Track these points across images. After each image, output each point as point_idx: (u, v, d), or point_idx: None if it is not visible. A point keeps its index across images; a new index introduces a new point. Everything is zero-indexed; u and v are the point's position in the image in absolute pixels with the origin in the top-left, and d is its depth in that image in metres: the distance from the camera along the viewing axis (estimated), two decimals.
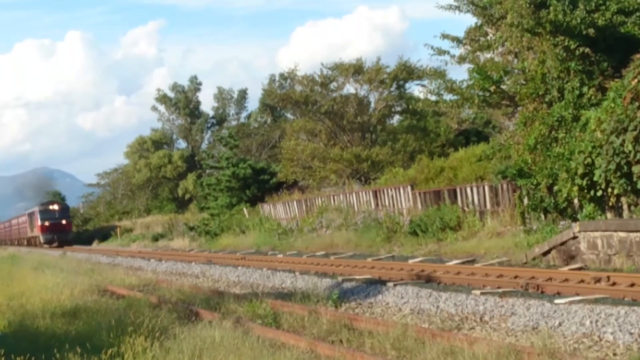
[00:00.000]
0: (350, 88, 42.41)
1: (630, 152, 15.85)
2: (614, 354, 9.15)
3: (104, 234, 70.00)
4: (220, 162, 47.32)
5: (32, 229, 72.78)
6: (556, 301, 11.56)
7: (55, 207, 70.68)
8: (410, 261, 19.80)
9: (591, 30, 19.24)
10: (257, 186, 44.25)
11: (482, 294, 13.12)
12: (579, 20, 19.30)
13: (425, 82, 33.61)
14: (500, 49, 24.65)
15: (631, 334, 9.60)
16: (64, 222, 69.61)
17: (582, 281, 13.20)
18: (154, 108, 79.80)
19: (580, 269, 15.18)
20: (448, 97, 27.26)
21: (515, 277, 14.51)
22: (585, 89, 19.40)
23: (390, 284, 15.49)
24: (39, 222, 69.10)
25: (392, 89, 41.94)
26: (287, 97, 43.50)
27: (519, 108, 22.85)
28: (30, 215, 73.35)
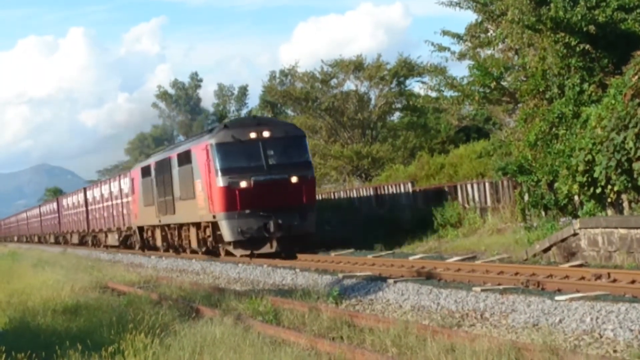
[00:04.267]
0: (350, 85, 42.47)
1: (631, 149, 15.85)
2: (615, 351, 9.15)
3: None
4: None
5: (165, 206, 28.44)
6: (557, 298, 11.55)
7: (266, 133, 23.96)
8: (411, 258, 19.78)
9: (592, 27, 19.24)
10: None
11: (482, 290, 13.12)
12: (579, 17, 19.30)
13: (426, 78, 33.67)
14: (500, 46, 24.66)
15: (631, 330, 9.59)
16: (293, 180, 23.64)
17: (583, 278, 13.20)
18: (155, 105, 79.98)
19: (580, 265, 15.17)
20: (448, 93, 27.31)
21: (516, 273, 14.50)
22: (585, 85, 19.39)
23: (391, 281, 15.48)
24: (221, 181, 23.41)
25: (392, 85, 41.94)
26: (288, 94, 43.53)
27: (520, 105, 22.86)
28: (166, 166, 28.58)
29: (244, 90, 78.33)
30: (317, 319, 12.08)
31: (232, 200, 23.02)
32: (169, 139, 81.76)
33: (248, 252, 23.39)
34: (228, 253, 24.66)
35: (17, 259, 35.85)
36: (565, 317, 10.66)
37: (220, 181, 23.23)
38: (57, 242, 58.41)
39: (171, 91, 79.16)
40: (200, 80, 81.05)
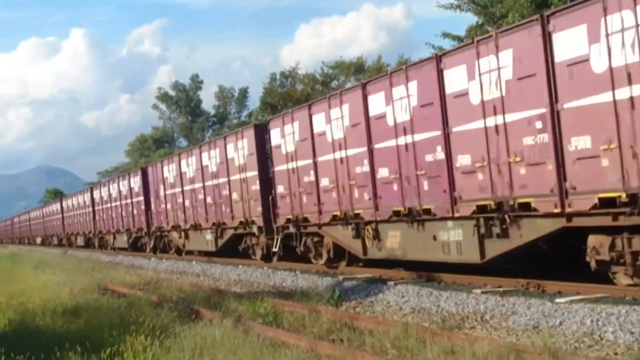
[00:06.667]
0: None
1: None
2: (615, 354, 9.13)
3: None
4: None
5: None
6: (557, 300, 11.54)
7: None
8: None
9: None
10: None
11: (483, 292, 13.11)
12: None
13: None
14: None
15: (632, 333, 9.58)
16: None
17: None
18: (155, 106, 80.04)
19: None
20: None
21: (516, 276, 14.47)
22: None
23: (391, 283, 15.48)
24: None
25: None
26: (288, 96, 43.62)
27: None
28: None
29: (244, 92, 78.34)
30: (317, 321, 12.07)
31: None
32: (169, 141, 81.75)
33: None
34: None
35: (18, 261, 35.84)
36: (566, 319, 10.65)
37: None
38: (137, 248, 35.15)
39: (172, 93, 79.31)
40: (201, 82, 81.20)
